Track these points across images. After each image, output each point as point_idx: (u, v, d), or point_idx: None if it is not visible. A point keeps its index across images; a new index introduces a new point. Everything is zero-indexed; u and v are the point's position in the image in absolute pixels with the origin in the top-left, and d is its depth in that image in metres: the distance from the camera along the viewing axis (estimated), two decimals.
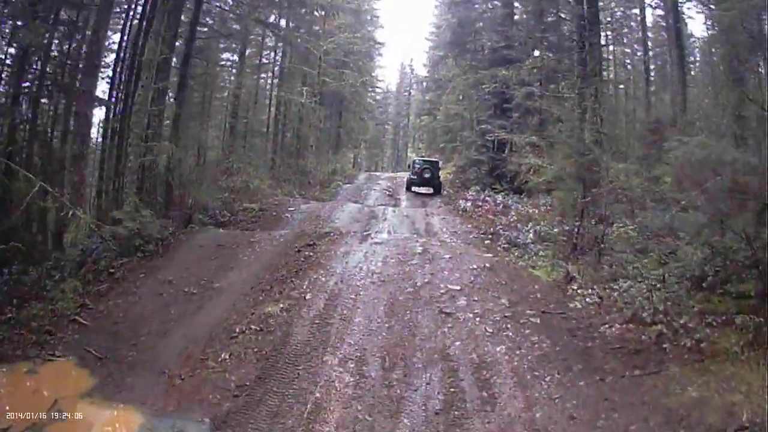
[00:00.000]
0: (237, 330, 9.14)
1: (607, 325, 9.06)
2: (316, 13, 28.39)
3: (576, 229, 13.02)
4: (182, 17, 17.36)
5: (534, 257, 13.10)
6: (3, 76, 13.99)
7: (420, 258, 12.12)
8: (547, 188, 16.51)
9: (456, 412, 7.12)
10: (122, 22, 17.39)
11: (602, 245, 12.12)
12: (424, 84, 41.62)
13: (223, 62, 24.89)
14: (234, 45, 24.45)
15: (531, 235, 14.73)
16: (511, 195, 20.12)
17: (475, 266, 11.63)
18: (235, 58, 25.35)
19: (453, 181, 25.40)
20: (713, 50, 18.07)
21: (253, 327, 9.17)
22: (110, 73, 17.12)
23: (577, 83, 17.67)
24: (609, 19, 22.26)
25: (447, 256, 12.28)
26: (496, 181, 21.78)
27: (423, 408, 7.24)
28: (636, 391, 7.15)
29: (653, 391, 7.07)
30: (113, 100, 16.44)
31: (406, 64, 51.75)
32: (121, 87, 16.28)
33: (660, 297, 9.17)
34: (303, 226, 16.03)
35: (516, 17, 25.49)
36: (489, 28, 26.25)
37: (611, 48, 22.88)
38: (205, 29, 20.84)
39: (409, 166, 26.12)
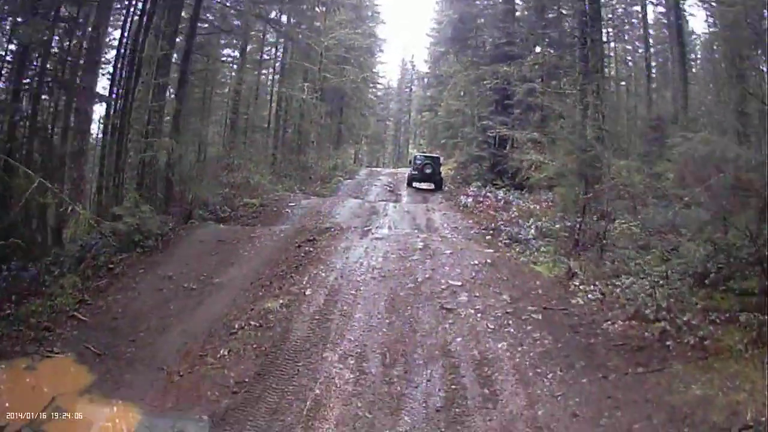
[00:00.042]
0: (236, 326, 9.07)
1: (609, 322, 8.98)
2: (317, 8, 28.32)
3: (578, 225, 12.94)
4: (183, 13, 17.40)
5: (535, 253, 13.06)
6: (3, 72, 13.95)
7: (421, 253, 12.05)
8: (548, 184, 16.47)
9: (457, 409, 7.06)
10: (122, 18, 17.28)
11: (604, 241, 12.02)
12: (425, 80, 41.61)
13: (223, 58, 24.98)
14: (235, 41, 24.49)
15: (532, 231, 14.71)
16: (512, 191, 20.03)
17: (476, 262, 11.55)
18: (236, 53, 25.44)
19: (454, 177, 25.36)
20: (714, 47, 18.02)
21: (252, 323, 9.10)
22: (110, 70, 17.02)
23: (579, 80, 17.67)
24: (610, 15, 22.11)
25: (448, 251, 12.21)
26: (498, 177, 21.76)
27: (424, 405, 7.18)
28: (639, 389, 7.08)
29: (656, 388, 6.98)
30: (113, 96, 16.35)
31: (407, 60, 51.67)
32: (122, 83, 16.20)
33: (663, 294, 9.08)
34: (303, 221, 15.96)
35: (517, 13, 25.47)
36: (490, 24, 26.24)
37: (613, 45, 22.73)
38: (206, 25, 20.83)
39: (410, 162, 26.03)
